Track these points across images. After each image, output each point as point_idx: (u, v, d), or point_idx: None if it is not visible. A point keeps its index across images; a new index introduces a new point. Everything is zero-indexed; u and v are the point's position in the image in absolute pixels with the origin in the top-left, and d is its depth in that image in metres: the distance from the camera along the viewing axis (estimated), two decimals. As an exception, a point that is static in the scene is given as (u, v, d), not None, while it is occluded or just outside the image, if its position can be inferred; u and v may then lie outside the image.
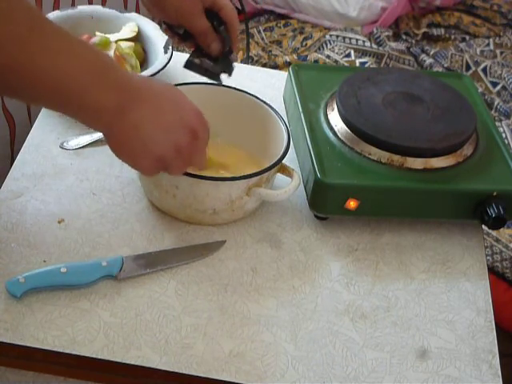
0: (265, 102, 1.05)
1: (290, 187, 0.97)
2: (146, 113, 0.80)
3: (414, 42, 2.35)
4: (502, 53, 2.32)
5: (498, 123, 2.03)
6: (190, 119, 0.84)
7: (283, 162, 0.98)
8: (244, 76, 1.26)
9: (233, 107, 1.06)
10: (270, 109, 1.04)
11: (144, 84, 0.81)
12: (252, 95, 1.06)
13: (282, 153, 0.98)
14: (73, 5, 2.07)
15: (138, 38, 1.22)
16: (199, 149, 0.87)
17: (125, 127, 0.79)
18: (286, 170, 1.00)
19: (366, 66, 2.19)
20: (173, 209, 0.98)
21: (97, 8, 1.25)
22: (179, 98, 0.85)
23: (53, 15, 1.21)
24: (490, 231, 1.77)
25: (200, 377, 0.83)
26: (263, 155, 1.04)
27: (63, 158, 1.06)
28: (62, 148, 1.07)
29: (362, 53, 2.24)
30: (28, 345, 0.83)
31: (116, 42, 1.18)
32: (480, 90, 2.15)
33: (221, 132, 1.06)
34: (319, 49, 2.27)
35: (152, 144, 0.81)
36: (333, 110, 1.07)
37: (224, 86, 1.07)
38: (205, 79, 1.07)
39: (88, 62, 0.75)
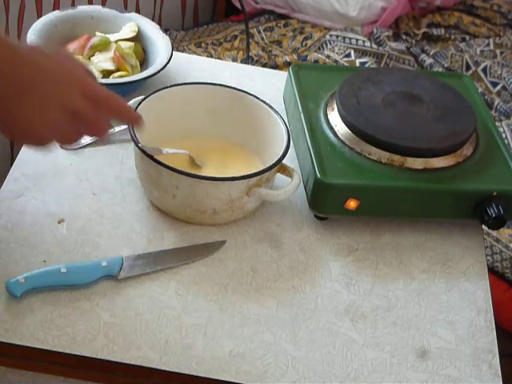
0: (265, 102, 1.05)
1: (289, 187, 0.97)
2: (22, 94, 0.76)
3: (413, 41, 2.35)
4: (502, 53, 2.32)
5: (498, 123, 2.03)
6: (71, 101, 0.78)
7: (283, 162, 0.98)
8: (244, 76, 1.26)
9: (232, 107, 1.06)
10: (269, 109, 1.04)
11: (27, 62, 0.76)
12: (252, 95, 1.06)
13: (281, 153, 0.98)
14: (73, 5, 2.07)
15: (138, 38, 1.22)
16: (90, 125, 0.81)
17: (10, 88, 0.75)
18: (285, 170, 0.99)
19: (366, 66, 2.19)
20: (173, 209, 0.98)
21: (97, 8, 1.25)
22: (64, 74, 0.79)
23: (53, 15, 1.21)
24: (490, 231, 1.77)
25: (200, 377, 0.83)
26: (263, 155, 1.04)
27: (63, 158, 1.06)
28: (62, 148, 1.07)
29: (362, 53, 2.24)
30: (28, 345, 0.83)
31: (116, 41, 1.18)
32: (480, 90, 2.14)
33: (220, 132, 1.06)
34: (319, 49, 2.27)
35: (28, 125, 0.77)
36: (333, 110, 1.07)
37: (224, 86, 1.07)
38: (205, 79, 1.07)
39: None
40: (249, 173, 0.95)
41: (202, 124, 1.07)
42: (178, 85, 1.03)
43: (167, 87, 1.04)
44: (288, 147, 0.99)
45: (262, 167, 0.97)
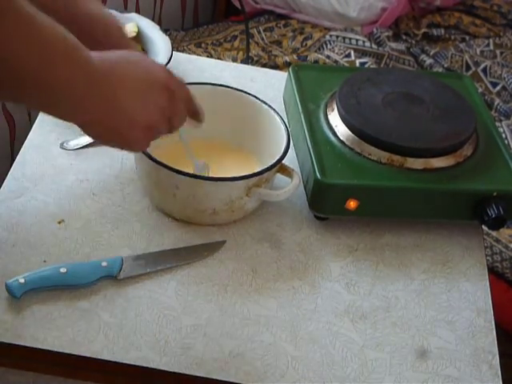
0: (265, 102, 1.05)
1: (289, 187, 0.97)
2: (114, 83, 0.76)
3: (413, 42, 2.35)
4: (502, 53, 2.32)
5: (498, 123, 2.03)
6: (160, 76, 0.81)
7: (283, 162, 0.98)
8: (244, 76, 1.26)
9: (232, 107, 1.06)
10: (269, 109, 1.04)
11: (105, 55, 0.77)
12: (252, 95, 1.06)
13: (281, 153, 0.98)
14: (73, 5, 2.06)
15: (138, 38, 1.22)
16: (178, 106, 0.83)
17: (100, 104, 0.75)
18: (285, 171, 0.99)
19: (366, 66, 2.19)
20: (172, 208, 0.98)
21: (97, 8, 1.25)
22: (142, 59, 0.82)
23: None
24: (489, 231, 1.76)
25: (200, 377, 0.83)
26: (263, 155, 1.04)
27: (63, 158, 1.06)
28: (62, 148, 1.07)
29: (362, 53, 2.24)
30: (28, 345, 0.83)
31: (116, 42, 1.18)
32: (480, 90, 2.14)
33: (220, 132, 1.06)
34: (319, 49, 2.27)
35: (134, 112, 0.78)
36: (333, 110, 1.07)
37: (224, 86, 1.07)
38: (205, 79, 1.06)
39: (53, 43, 0.71)
40: (248, 173, 0.95)
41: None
42: None
43: None
44: (288, 147, 0.99)
45: (260, 168, 0.97)
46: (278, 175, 1.00)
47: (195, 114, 0.88)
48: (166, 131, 0.84)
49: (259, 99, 1.05)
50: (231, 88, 1.07)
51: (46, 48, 0.71)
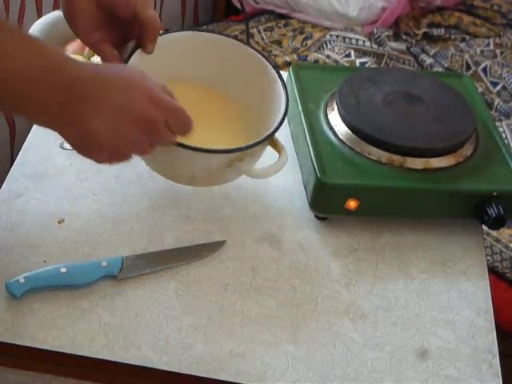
0: (271, 64, 0.97)
1: (273, 166, 0.90)
2: (89, 106, 0.77)
3: (414, 42, 2.35)
4: (502, 53, 2.32)
5: (498, 123, 2.03)
6: (140, 107, 0.79)
7: (276, 135, 0.91)
8: (244, 76, 1.26)
9: (235, 61, 0.99)
10: (277, 77, 0.97)
11: (92, 76, 0.78)
12: (261, 55, 0.98)
13: (272, 129, 0.89)
14: (73, 5, 2.06)
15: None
16: (158, 136, 0.82)
17: (69, 123, 0.78)
18: (275, 145, 0.91)
19: (366, 66, 2.19)
20: (156, 169, 0.95)
21: (97, 8, 1.24)
22: (131, 84, 0.81)
23: (53, 15, 1.20)
24: (490, 231, 1.76)
25: (200, 377, 0.83)
26: (261, 114, 0.96)
27: (63, 158, 1.06)
28: (62, 148, 1.07)
29: (362, 53, 2.24)
30: (28, 345, 0.83)
31: (116, 42, 1.18)
32: (480, 90, 2.14)
33: (220, 84, 1.00)
34: (319, 49, 2.27)
35: (98, 135, 0.78)
36: (333, 110, 1.07)
37: (225, 35, 1.01)
38: None
39: (35, 57, 0.75)
40: (231, 147, 0.88)
41: (196, 73, 0.99)
42: (176, 31, 0.97)
43: (163, 34, 0.95)
44: (282, 122, 0.91)
45: (257, 129, 0.89)
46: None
47: (186, 127, 0.86)
48: (141, 153, 0.84)
49: (265, 57, 0.98)
50: (238, 40, 1.00)
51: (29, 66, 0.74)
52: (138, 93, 0.80)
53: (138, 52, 0.91)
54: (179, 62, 0.98)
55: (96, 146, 0.80)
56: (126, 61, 0.89)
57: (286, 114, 0.92)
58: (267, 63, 0.98)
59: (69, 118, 0.77)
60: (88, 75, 0.78)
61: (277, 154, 0.92)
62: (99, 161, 0.83)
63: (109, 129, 0.78)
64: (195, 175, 0.92)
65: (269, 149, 0.94)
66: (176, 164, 0.91)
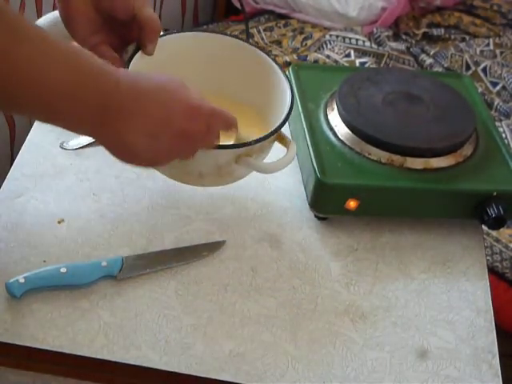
0: (281, 69, 0.97)
1: (281, 160, 0.90)
2: (126, 119, 0.77)
3: (413, 42, 2.35)
4: (502, 53, 2.32)
5: (498, 123, 2.03)
6: (181, 122, 0.80)
7: (282, 130, 0.91)
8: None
9: (240, 61, 0.99)
10: (282, 75, 0.97)
11: (131, 86, 0.77)
12: (257, 47, 0.99)
13: (278, 124, 0.90)
14: (73, 5, 2.06)
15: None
16: (203, 142, 0.84)
17: (109, 137, 0.78)
18: (282, 140, 0.91)
19: (366, 65, 2.19)
20: (164, 169, 0.94)
21: (97, 8, 1.24)
22: (173, 98, 0.80)
23: (53, 15, 1.20)
24: (490, 231, 1.77)
25: (200, 377, 0.83)
26: (270, 112, 0.96)
27: (63, 158, 1.06)
28: (62, 148, 1.07)
29: (361, 53, 2.24)
30: (28, 345, 0.83)
31: (116, 42, 1.18)
32: (480, 90, 2.14)
33: (226, 87, 1.00)
34: (319, 49, 2.27)
35: (135, 148, 0.78)
36: (333, 110, 1.07)
37: (225, 34, 1.01)
38: None
39: (70, 71, 0.73)
40: (239, 143, 0.88)
41: (199, 74, 0.98)
42: (176, 32, 0.96)
43: (163, 35, 0.95)
44: (288, 117, 0.90)
45: (267, 124, 0.90)
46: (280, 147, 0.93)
47: (231, 127, 0.86)
48: (183, 159, 0.85)
49: (273, 59, 0.98)
50: (242, 40, 1.00)
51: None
52: (179, 107, 0.80)
53: (139, 54, 0.90)
54: (180, 63, 0.97)
55: (134, 157, 0.80)
56: (128, 64, 0.89)
57: (291, 107, 0.92)
58: (269, 60, 0.98)
59: (106, 130, 0.77)
60: (127, 85, 0.77)
61: (282, 153, 0.92)
62: (139, 167, 0.84)
63: (147, 142, 0.78)
64: (202, 172, 0.91)
65: (275, 147, 0.94)
66: (183, 161, 0.89)
